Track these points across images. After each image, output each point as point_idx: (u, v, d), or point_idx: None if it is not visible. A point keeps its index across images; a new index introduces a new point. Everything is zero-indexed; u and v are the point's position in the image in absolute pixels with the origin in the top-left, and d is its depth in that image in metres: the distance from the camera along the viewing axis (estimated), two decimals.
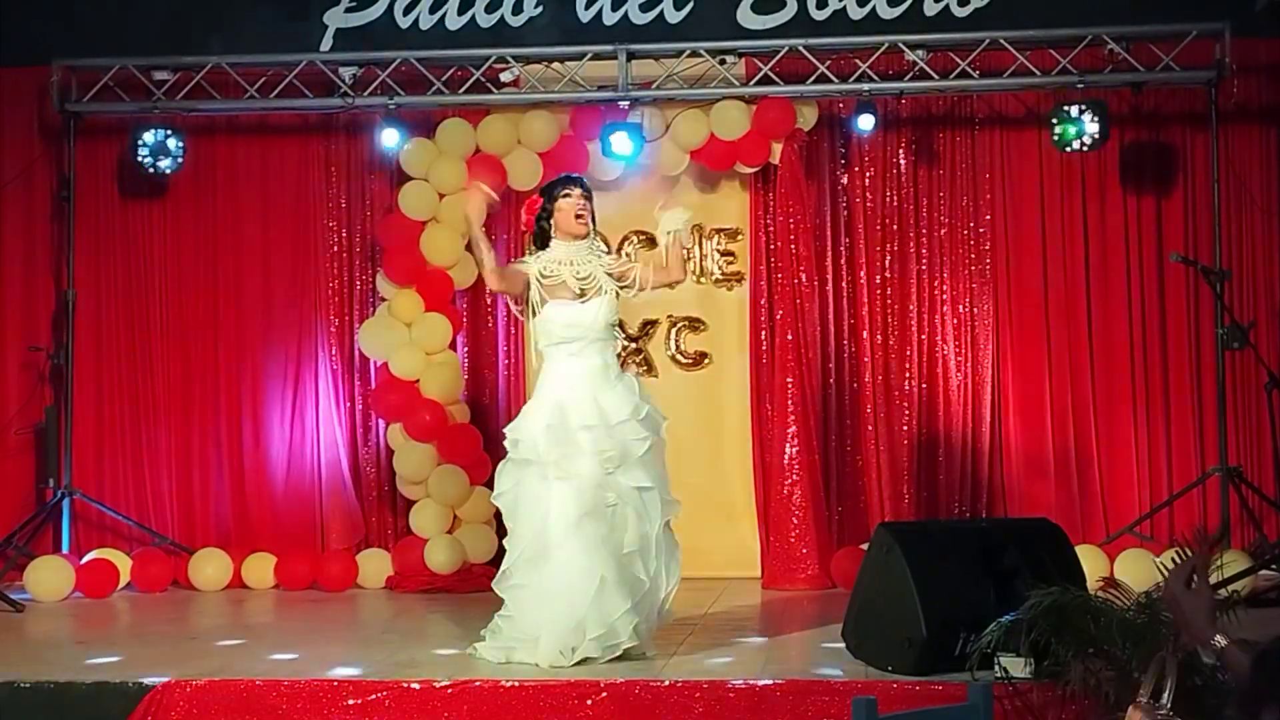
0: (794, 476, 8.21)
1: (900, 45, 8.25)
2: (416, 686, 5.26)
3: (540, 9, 8.68)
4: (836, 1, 8.54)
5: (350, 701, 5.22)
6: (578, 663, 5.57)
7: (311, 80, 8.48)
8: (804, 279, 8.39)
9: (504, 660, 5.66)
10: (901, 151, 8.62)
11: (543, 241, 5.96)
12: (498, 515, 6.88)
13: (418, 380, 8.35)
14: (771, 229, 8.58)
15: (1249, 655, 2.77)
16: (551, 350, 5.88)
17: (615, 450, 5.70)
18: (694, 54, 8.37)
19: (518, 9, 8.68)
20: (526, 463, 5.78)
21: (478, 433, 8.37)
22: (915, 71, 8.26)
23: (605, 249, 6.18)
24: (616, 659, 5.62)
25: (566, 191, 5.90)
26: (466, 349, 8.74)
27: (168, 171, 8.49)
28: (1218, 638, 2.99)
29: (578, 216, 5.87)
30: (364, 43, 8.66)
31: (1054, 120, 8.08)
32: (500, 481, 5.90)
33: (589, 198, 5.95)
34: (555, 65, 8.46)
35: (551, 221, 5.91)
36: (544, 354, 5.92)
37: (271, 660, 5.93)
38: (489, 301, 8.67)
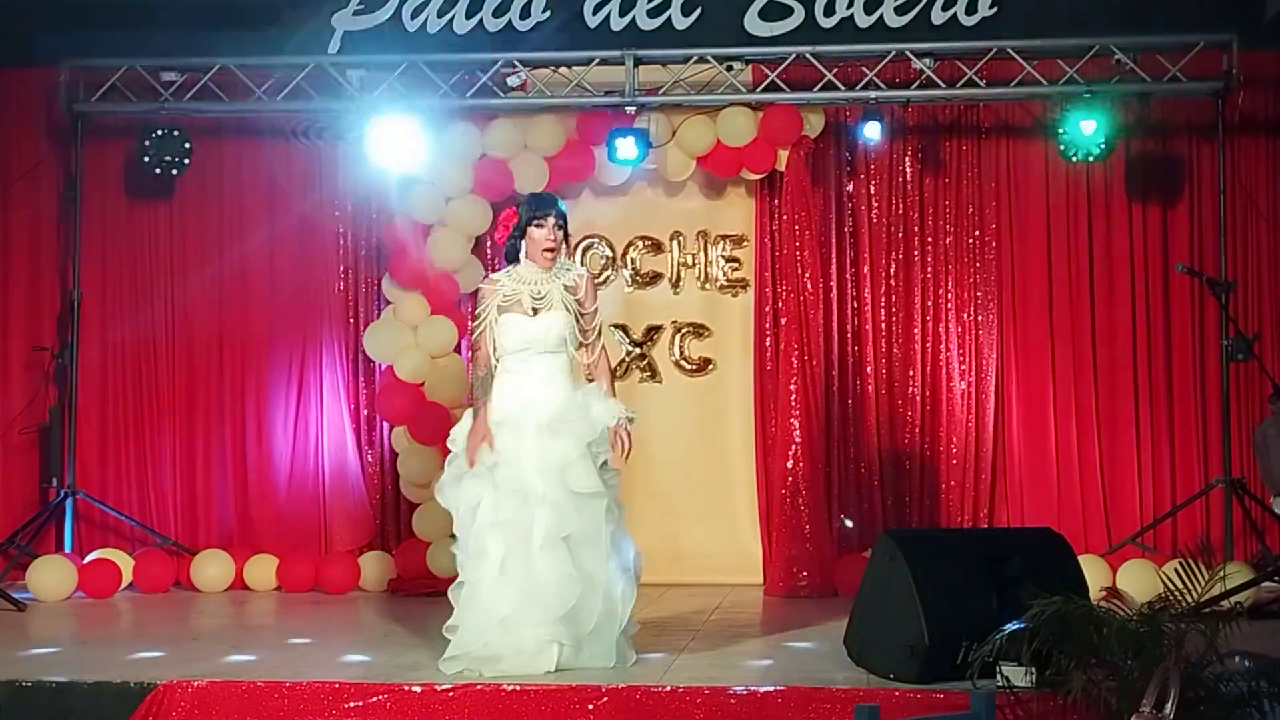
0: (797, 483, 8.20)
1: (907, 53, 8.26)
2: (418, 689, 5.26)
3: (548, 13, 8.68)
4: (844, 9, 8.54)
5: (351, 704, 5.22)
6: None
7: (319, 82, 8.49)
8: (809, 286, 8.39)
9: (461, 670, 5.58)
10: (907, 159, 8.63)
11: (513, 256, 5.96)
12: None
13: (423, 383, 8.36)
14: (777, 236, 8.59)
15: None
16: (505, 359, 5.89)
17: (531, 447, 5.66)
18: (701, 60, 8.37)
19: (525, 13, 8.69)
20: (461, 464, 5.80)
21: None
22: (922, 80, 8.27)
23: (574, 268, 6.07)
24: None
25: (540, 220, 5.86)
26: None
27: (174, 173, 8.51)
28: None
29: (545, 250, 5.86)
30: (371, 45, 8.66)
31: (1060, 129, 8.09)
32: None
33: (563, 225, 5.93)
34: (562, 70, 8.47)
35: (523, 243, 5.92)
36: (500, 362, 5.92)
37: (273, 661, 5.93)
38: None
